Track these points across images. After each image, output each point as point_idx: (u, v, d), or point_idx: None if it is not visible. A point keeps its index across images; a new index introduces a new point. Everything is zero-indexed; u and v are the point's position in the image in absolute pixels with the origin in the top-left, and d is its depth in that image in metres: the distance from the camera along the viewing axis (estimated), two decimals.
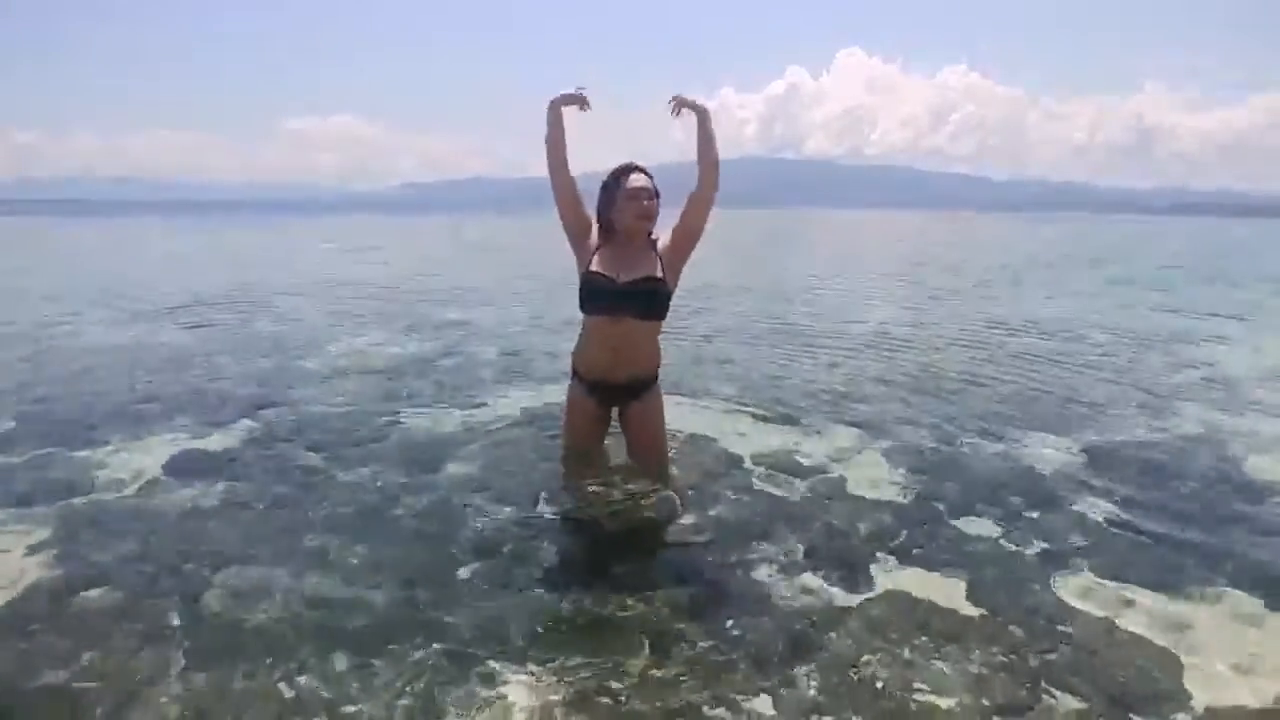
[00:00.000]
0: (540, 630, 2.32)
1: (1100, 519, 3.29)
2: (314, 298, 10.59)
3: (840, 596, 2.58)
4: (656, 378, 3.19)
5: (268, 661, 2.14)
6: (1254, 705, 2.08)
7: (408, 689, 2.04)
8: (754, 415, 4.70)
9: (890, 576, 2.73)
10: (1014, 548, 3.00)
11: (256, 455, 3.86)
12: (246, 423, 4.40)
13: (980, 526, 3.19)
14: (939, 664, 2.20)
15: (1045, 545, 3.02)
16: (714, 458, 3.90)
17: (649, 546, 2.95)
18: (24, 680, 2.06)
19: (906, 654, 2.24)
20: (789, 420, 4.61)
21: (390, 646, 2.21)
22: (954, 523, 3.22)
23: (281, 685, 2.04)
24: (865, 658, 2.22)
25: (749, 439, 4.24)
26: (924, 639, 2.33)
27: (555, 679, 2.08)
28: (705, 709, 1.99)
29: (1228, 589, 2.71)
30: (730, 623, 2.39)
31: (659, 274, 2.84)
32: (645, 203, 2.80)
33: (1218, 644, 2.37)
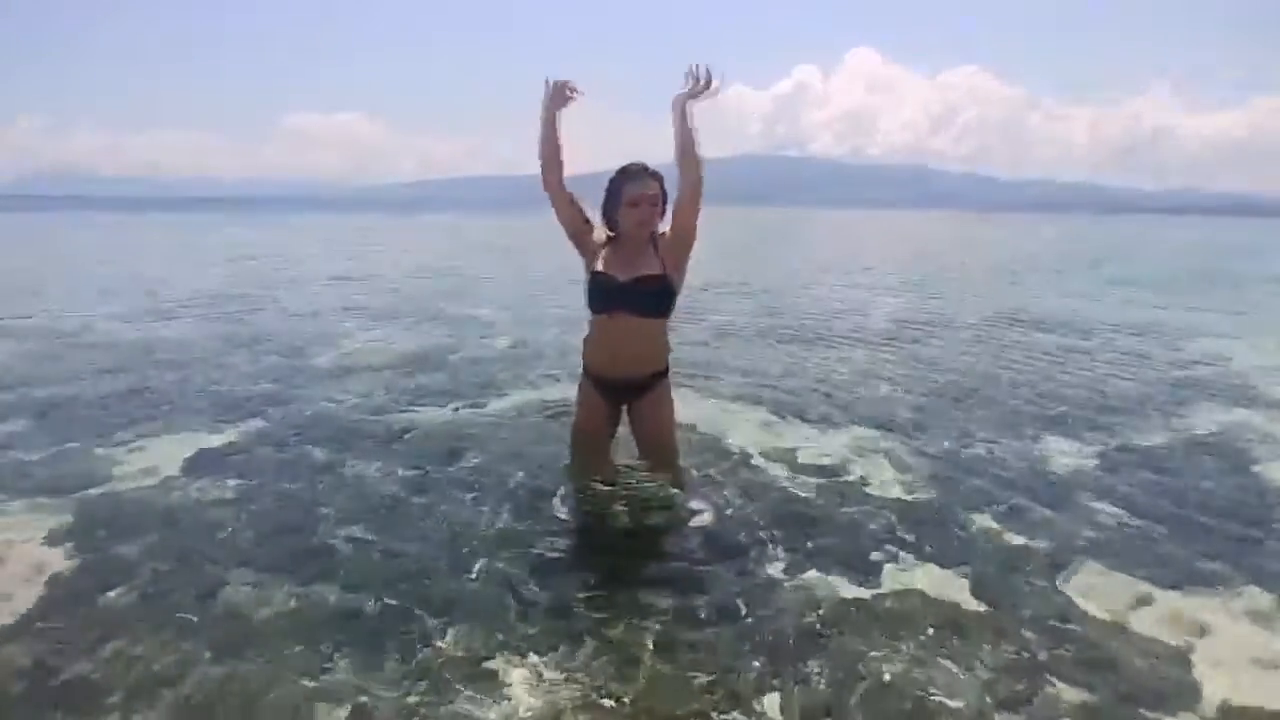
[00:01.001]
0: (549, 628, 2.33)
1: (1111, 517, 3.28)
2: (321, 294, 10.65)
3: (850, 594, 2.58)
4: (666, 373, 3.18)
5: (280, 658, 2.17)
6: (1268, 705, 2.07)
7: (417, 686, 2.06)
8: (764, 411, 4.70)
9: (900, 574, 2.73)
10: (1024, 545, 3.00)
11: (269, 452, 3.89)
12: (259, 419, 4.44)
13: (990, 524, 3.18)
14: (948, 663, 2.20)
15: (1055, 543, 3.01)
16: (723, 454, 3.90)
17: (658, 544, 2.96)
18: (47, 674, 2.10)
19: (916, 652, 2.24)
20: (799, 417, 4.61)
21: (400, 644, 2.24)
22: (964, 520, 3.21)
23: (293, 682, 2.07)
24: (874, 656, 2.22)
25: (759, 435, 4.24)
26: (933, 637, 2.33)
27: (563, 677, 2.10)
28: (714, 708, 1.99)
29: (1241, 587, 2.69)
30: (739, 621, 2.40)
31: (659, 271, 2.85)
32: (646, 210, 2.80)
33: (1230, 643, 2.36)
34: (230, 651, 2.18)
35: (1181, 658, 2.27)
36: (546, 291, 11.31)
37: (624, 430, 3.36)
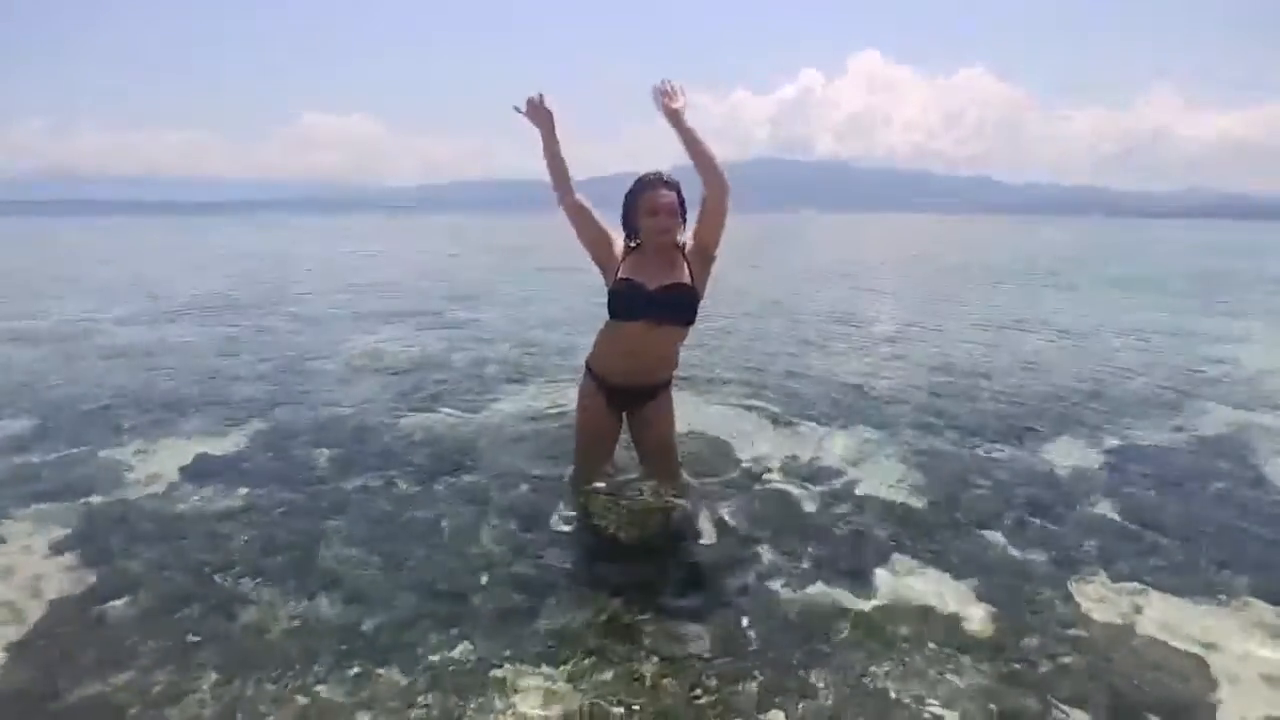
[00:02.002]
0: (553, 637, 2.32)
1: (1116, 523, 3.26)
2: (323, 297, 10.65)
3: (852, 605, 2.56)
4: (671, 381, 3.20)
5: (288, 669, 2.16)
6: (1277, 717, 2.04)
7: (423, 696, 2.06)
8: (767, 416, 4.69)
9: (903, 582, 2.72)
10: (1028, 552, 2.98)
11: (274, 458, 3.89)
12: (264, 425, 4.44)
13: (994, 531, 3.16)
14: (952, 673, 2.19)
15: (1060, 550, 2.99)
16: (726, 459, 3.89)
17: (661, 552, 2.95)
18: (50, 694, 2.08)
19: (919, 663, 2.23)
20: (802, 422, 4.59)
21: (406, 653, 2.24)
22: (967, 527, 3.20)
23: (300, 694, 2.07)
24: (877, 669, 2.20)
25: (761, 441, 4.23)
26: (937, 647, 2.31)
27: (569, 686, 2.09)
28: (718, 717, 1.99)
29: (1249, 596, 2.66)
30: (743, 631, 2.39)
31: (688, 280, 2.82)
32: (664, 219, 2.77)
33: (1239, 653, 2.33)
34: (237, 668, 2.17)
35: (1188, 670, 2.24)
36: (548, 294, 11.33)
37: (626, 436, 3.34)
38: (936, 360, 6.59)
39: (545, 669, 2.16)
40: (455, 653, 2.24)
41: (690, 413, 4.34)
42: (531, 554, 2.87)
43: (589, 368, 3.16)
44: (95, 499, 3.35)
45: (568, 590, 2.61)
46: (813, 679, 2.15)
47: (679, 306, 2.82)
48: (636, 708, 2.02)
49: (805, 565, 2.82)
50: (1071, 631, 2.43)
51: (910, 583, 2.72)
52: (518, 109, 2.87)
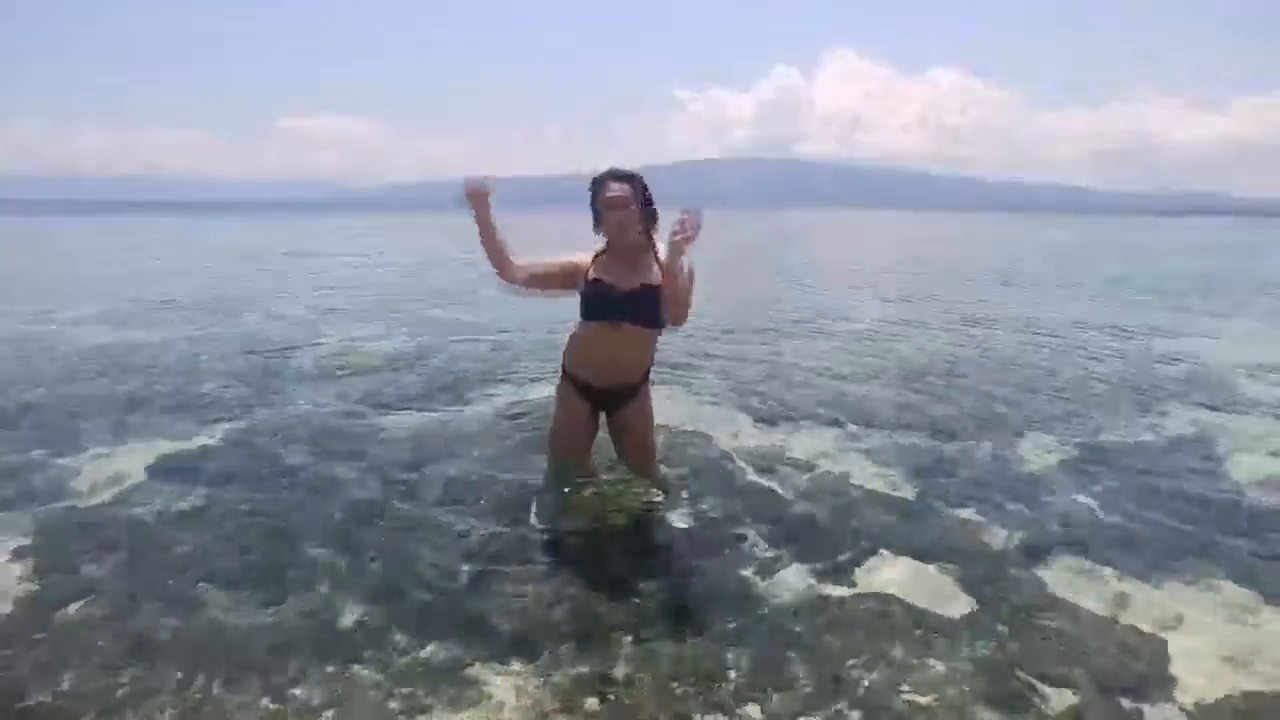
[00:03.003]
0: (528, 633, 2.31)
1: (1088, 512, 3.33)
2: (305, 296, 10.50)
3: (830, 594, 2.58)
4: (648, 379, 3.18)
5: (255, 670, 2.12)
6: (1242, 694, 2.10)
7: (395, 693, 2.03)
8: (744, 410, 4.73)
9: (880, 572, 2.74)
10: (1003, 541, 3.03)
11: (242, 458, 3.83)
12: (232, 424, 4.37)
13: (970, 521, 3.22)
14: (930, 659, 2.21)
15: (1034, 539, 3.04)
16: (703, 455, 3.90)
17: (638, 549, 2.94)
18: (8, 698, 2.02)
19: (897, 652, 2.24)
20: (780, 416, 4.64)
21: (378, 651, 2.21)
22: (944, 517, 3.24)
23: (267, 694, 2.03)
24: (855, 657, 2.21)
25: (738, 435, 4.26)
26: (914, 634, 2.34)
27: (543, 681, 2.07)
28: (694, 711, 1.98)
29: (1216, 580, 2.74)
30: (719, 623, 2.39)
31: (659, 282, 2.77)
32: (619, 212, 2.76)
33: (1207, 634, 2.40)
34: (202, 670, 2.12)
35: (1158, 651, 2.30)
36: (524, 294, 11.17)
37: (601, 434, 3.30)
38: (913, 356, 6.67)
39: (518, 666, 2.15)
40: (426, 652, 2.21)
41: (668, 407, 4.34)
42: (505, 551, 2.84)
43: (564, 368, 3.14)
44: (55, 503, 3.28)
45: (541, 587, 2.59)
46: (791, 669, 2.15)
47: (648, 308, 2.79)
48: (612, 701, 2.01)
49: (783, 557, 2.83)
50: (1045, 617, 2.47)
51: (887, 571, 2.75)
52: (462, 199, 2.77)
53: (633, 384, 3.09)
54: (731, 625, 2.38)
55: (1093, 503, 3.45)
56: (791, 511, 3.28)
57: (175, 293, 10.72)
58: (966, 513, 3.31)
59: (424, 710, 1.98)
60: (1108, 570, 2.82)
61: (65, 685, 2.06)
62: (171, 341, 7.06)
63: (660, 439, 3.57)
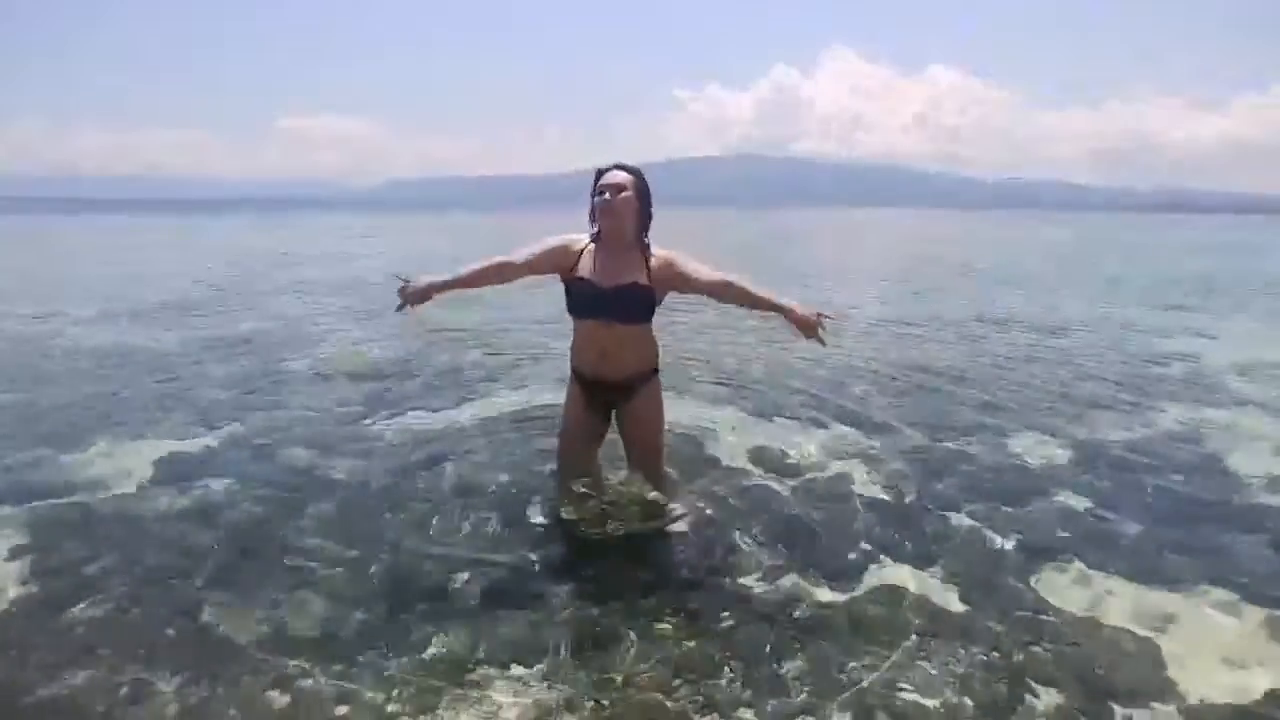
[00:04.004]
0: (528, 635, 2.33)
1: (1084, 514, 3.36)
2: (305, 296, 10.57)
3: (827, 598, 2.60)
4: (654, 374, 3.12)
5: (258, 670, 2.14)
6: (1235, 698, 2.12)
7: (396, 695, 2.05)
8: (744, 412, 4.78)
9: (876, 575, 2.77)
10: (999, 543, 3.06)
11: (244, 460, 3.85)
12: (234, 425, 4.39)
13: (965, 523, 3.24)
14: (925, 664, 2.23)
15: (1029, 541, 3.07)
16: (703, 456, 3.94)
17: (638, 551, 2.96)
18: (10, 698, 2.04)
19: (893, 655, 2.27)
20: (779, 417, 4.69)
21: (379, 654, 2.23)
22: (939, 520, 3.27)
23: (272, 695, 2.05)
24: (852, 661, 2.24)
25: (738, 437, 4.30)
26: (910, 639, 2.36)
27: (543, 684, 2.09)
28: (693, 714, 2.00)
29: (1209, 583, 2.76)
30: (718, 625, 2.41)
31: (645, 281, 2.79)
32: (608, 197, 2.76)
33: (1200, 637, 2.42)
34: (204, 670, 2.13)
35: (1153, 653, 2.32)
36: (531, 292, 10.52)
37: (613, 435, 3.29)
38: (908, 356, 6.73)
39: (519, 668, 2.17)
40: (429, 653, 2.23)
41: (669, 409, 4.28)
42: (508, 552, 2.87)
43: (571, 365, 3.16)
44: (57, 501, 3.30)
45: (543, 588, 2.61)
46: (789, 672, 2.18)
47: (631, 305, 2.80)
48: (611, 704, 2.02)
49: (781, 559, 2.85)
50: (1041, 618, 2.49)
51: (884, 574, 2.77)
52: (400, 308, 2.87)
53: (633, 378, 3.06)
54: (728, 628, 2.41)
55: (1089, 504, 3.49)
56: (789, 514, 3.31)
57: (175, 293, 10.77)
58: (963, 515, 3.35)
59: (425, 711, 2.01)
60: (1104, 573, 2.85)
61: (66, 685, 2.08)
62: (172, 342, 7.11)
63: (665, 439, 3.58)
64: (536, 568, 2.79)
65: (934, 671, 2.21)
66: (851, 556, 2.92)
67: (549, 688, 2.09)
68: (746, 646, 2.31)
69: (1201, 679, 2.21)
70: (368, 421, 4.56)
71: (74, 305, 9.41)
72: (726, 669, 2.19)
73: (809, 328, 2.67)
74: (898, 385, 5.64)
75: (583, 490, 3.23)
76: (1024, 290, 12.67)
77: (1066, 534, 3.17)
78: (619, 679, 2.13)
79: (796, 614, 2.50)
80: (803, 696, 2.09)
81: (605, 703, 2.04)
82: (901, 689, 2.13)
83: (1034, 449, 4.24)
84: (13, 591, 2.58)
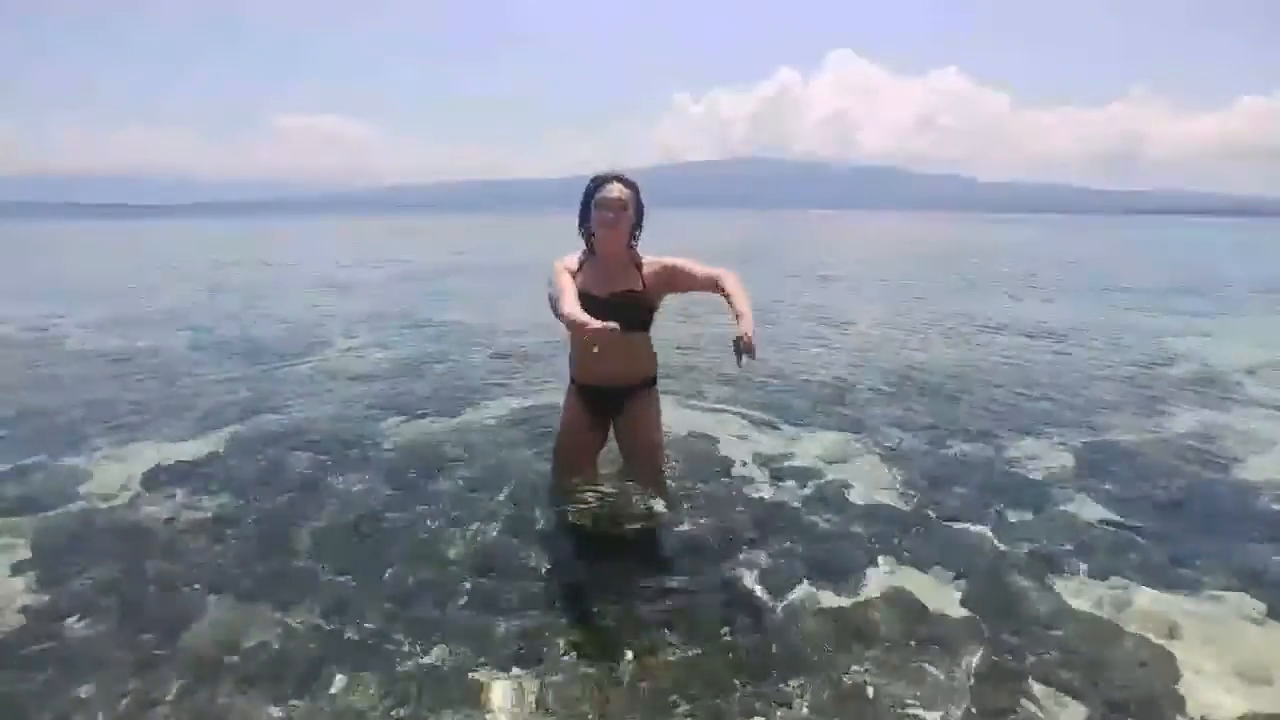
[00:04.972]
0: (529, 641, 2.28)
1: (1093, 520, 3.25)
2: (302, 300, 10.32)
3: (832, 605, 2.54)
4: (653, 382, 3.14)
5: (258, 678, 2.10)
6: (1253, 710, 2.04)
7: (399, 704, 2.00)
8: (747, 418, 4.63)
9: (882, 581, 2.69)
10: (1006, 550, 2.97)
11: (245, 465, 3.77)
12: (235, 431, 4.30)
13: (973, 529, 3.15)
14: (933, 672, 2.17)
15: (1038, 547, 2.98)
16: (705, 462, 3.84)
17: (640, 559, 2.89)
18: (13, 709, 1.99)
19: (900, 663, 2.21)
20: (783, 422, 4.55)
21: (381, 659, 2.19)
22: (946, 526, 3.18)
23: (272, 703, 2.00)
24: (858, 669, 2.17)
25: (741, 442, 4.19)
26: (916, 645, 2.30)
27: (546, 694, 2.05)
28: (694, 718, 1.96)
29: (1224, 590, 2.67)
30: (721, 632, 2.35)
31: (639, 288, 2.85)
32: (608, 214, 2.80)
33: (1215, 646, 2.33)
34: (205, 678, 2.09)
35: (1166, 663, 2.24)
36: (531, 296, 10.73)
37: (613, 443, 3.27)
38: (915, 360, 6.55)
39: (521, 673, 2.13)
40: (431, 658, 2.19)
41: (670, 414, 4.29)
42: (509, 558, 2.81)
43: (570, 373, 3.18)
44: (57, 510, 3.22)
45: (544, 593, 2.56)
46: (793, 680, 2.11)
47: (627, 312, 2.78)
48: (613, 708, 1.98)
49: (785, 566, 2.78)
50: (1050, 627, 2.42)
51: (889, 581, 2.70)
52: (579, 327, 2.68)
53: (631, 384, 3.08)
54: (732, 637, 2.33)
55: (1097, 509, 3.37)
56: (792, 521, 3.21)
57: (170, 297, 10.60)
58: (969, 520, 3.23)
59: (427, 713, 1.96)
60: (1113, 578, 2.74)
61: (69, 695, 2.03)
62: (171, 346, 6.96)
63: (664, 445, 3.51)
64: (538, 574, 2.72)
65: (941, 680, 2.14)
66: (856, 563, 2.83)
67: (551, 693, 2.05)
68: (749, 652, 2.25)
69: (1217, 689, 2.13)
70: (372, 425, 4.45)
71: (72, 311, 9.26)
72: (729, 674, 2.14)
73: (744, 345, 2.55)
74: (901, 389, 5.48)
75: (583, 499, 3.19)
76: (1025, 292, 12.39)
77: (1076, 540, 3.07)
78: (621, 685, 2.09)
79: (801, 623, 2.43)
80: (808, 703, 2.03)
81: (607, 709, 1.99)
82: (909, 700, 2.06)
83: (1041, 452, 4.10)
84: (17, 600, 2.52)
